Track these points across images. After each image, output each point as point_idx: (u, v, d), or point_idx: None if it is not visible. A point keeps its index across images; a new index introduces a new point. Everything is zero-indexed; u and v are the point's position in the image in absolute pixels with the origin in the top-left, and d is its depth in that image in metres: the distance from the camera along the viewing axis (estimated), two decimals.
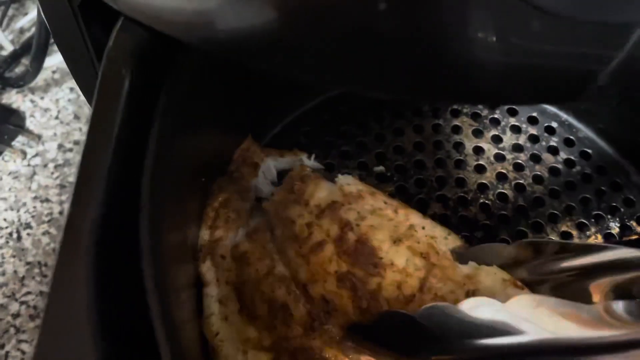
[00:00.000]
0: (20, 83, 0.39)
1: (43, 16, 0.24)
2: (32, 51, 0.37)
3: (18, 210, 0.38)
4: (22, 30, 0.46)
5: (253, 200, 0.31)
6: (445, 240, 0.27)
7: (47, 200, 0.38)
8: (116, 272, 0.16)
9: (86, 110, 0.43)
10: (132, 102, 0.18)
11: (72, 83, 0.44)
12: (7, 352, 0.33)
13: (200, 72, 0.22)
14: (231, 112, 0.28)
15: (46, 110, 0.42)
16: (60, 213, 0.38)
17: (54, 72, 0.44)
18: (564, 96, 0.22)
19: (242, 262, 0.26)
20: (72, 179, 0.39)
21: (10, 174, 0.39)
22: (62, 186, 0.39)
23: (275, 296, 0.25)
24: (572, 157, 0.34)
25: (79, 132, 0.41)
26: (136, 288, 0.16)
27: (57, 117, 0.42)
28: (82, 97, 0.43)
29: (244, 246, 0.27)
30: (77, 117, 0.42)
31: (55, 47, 0.41)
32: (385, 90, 0.18)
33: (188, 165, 0.22)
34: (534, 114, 0.35)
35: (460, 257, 0.26)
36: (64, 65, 0.44)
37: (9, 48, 0.42)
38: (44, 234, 0.37)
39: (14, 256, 0.36)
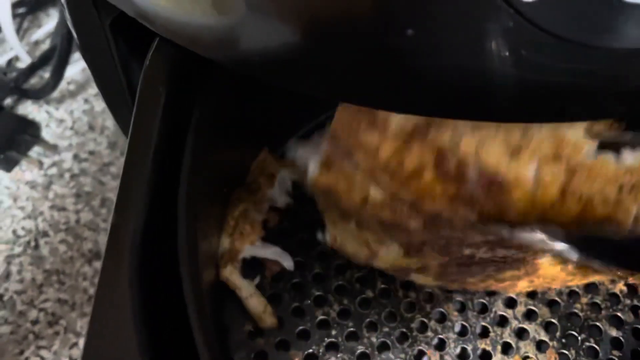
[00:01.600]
0: (39, 95, 0.40)
1: (73, 32, 0.25)
2: (53, 63, 0.38)
3: (35, 219, 0.38)
4: (37, 43, 0.47)
5: (266, 212, 0.32)
6: (575, 132, 0.21)
7: (64, 209, 0.39)
8: (156, 278, 0.17)
9: (100, 121, 0.44)
10: (167, 117, 0.19)
11: (87, 95, 0.45)
12: (27, 358, 0.33)
13: (227, 89, 0.23)
14: (250, 125, 0.29)
15: (61, 121, 0.43)
16: (77, 222, 0.38)
17: (68, 83, 0.45)
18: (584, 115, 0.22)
19: (329, 195, 0.23)
20: (87, 188, 0.40)
21: (27, 183, 0.40)
22: (78, 195, 0.40)
23: (381, 218, 0.22)
24: None
25: (94, 142, 0.42)
26: (175, 295, 0.17)
27: (72, 128, 0.43)
28: (96, 109, 0.44)
29: (324, 178, 0.23)
30: (91, 127, 0.43)
31: (70, 59, 0.42)
32: (405, 108, 0.19)
33: (214, 177, 0.23)
34: None
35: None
36: (78, 77, 0.45)
37: (26, 60, 0.43)
38: (61, 242, 0.38)
39: (31, 264, 0.37)
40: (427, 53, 0.16)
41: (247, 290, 0.28)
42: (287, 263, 0.30)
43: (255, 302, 0.28)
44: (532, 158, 0.21)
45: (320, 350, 0.28)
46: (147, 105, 0.18)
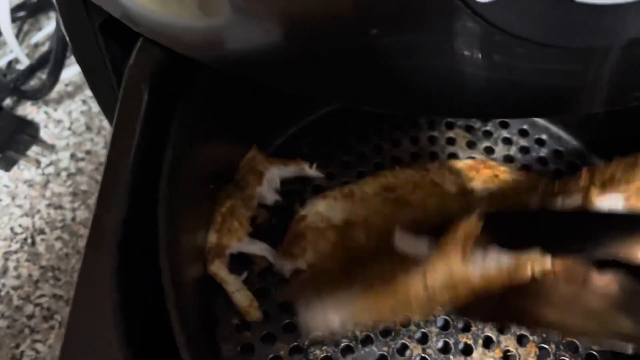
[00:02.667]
0: (37, 96, 0.41)
1: (65, 34, 0.26)
2: (50, 66, 0.39)
3: (33, 217, 0.39)
4: (36, 45, 0.49)
5: (255, 209, 0.32)
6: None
7: (61, 207, 0.40)
8: (137, 270, 0.17)
9: (97, 122, 0.45)
10: (150, 114, 0.19)
11: (84, 96, 0.46)
12: (22, 352, 0.34)
13: (211, 88, 0.24)
14: (238, 123, 0.30)
15: (59, 121, 0.44)
16: (73, 220, 0.39)
17: (66, 85, 0.46)
18: (551, 111, 0.24)
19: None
20: (84, 187, 0.41)
21: (25, 182, 0.41)
22: (74, 194, 0.41)
23: None
24: (561, 168, 0.35)
25: (91, 142, 0.43)
26: (155, 287, 0.17)
27: (69, 128, 0.44)
28: (94, 109, 0.45)
29: None
30: (88, 128, 0.44)
31: (68, 62, 0.43)
32: (382, 106, 0.20)
33: (199, 173, 0.24)
34: (525, 127, 0.37)
35: None
36: (76, 78, 0.46)
37: (25, 62, 0.44)
38: (57, 239, 0.38)
39: (28, 260, 0.38)
40: (391, 52, 0.17)
41: (234, 285, 0.29)
42: (274, 259, 0.31)
43: (242, 297, 0.29)
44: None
45: (306, 344, 0.29)
46: (130, 103, 0.19)
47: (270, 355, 0.29)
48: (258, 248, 0.31)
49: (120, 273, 0.17)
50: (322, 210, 0.30)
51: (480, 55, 0.17)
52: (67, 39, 0.26)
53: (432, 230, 0.25)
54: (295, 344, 0.29)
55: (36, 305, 0.36)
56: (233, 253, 0.31)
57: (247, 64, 0.20)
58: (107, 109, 0.28)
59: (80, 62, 0.27)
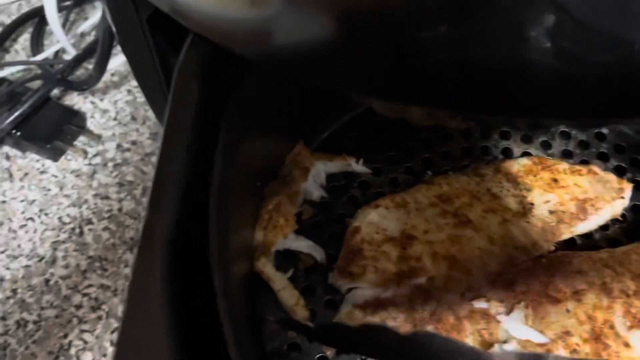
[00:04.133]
0: (84, 87, 0.42)
1: (112, 27, 0.26)
2: (96, 56, 0.39)
3: (80, 207, 0.40)
4: (82, 35, 0.49)
5: (301, 205, 0.32)
6: None
7: (107, 197, 0.40)
8: (188, 270, 0.17)
9: (142, 112, 0.45)
10: (201, 112, 0.19)
11: (129, 86, 0.46)
12: (70, 342, 0.35)
13: (258, 84, 0.23)
14: (284, 119, 0.29)
15: (105, 111, 0.44)
16: (120, 210, 0.40)
17: (112, 75, 0.46)
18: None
19: None
20: (130, 177, 0.41)
21: (72, 172, 0.41)
22: (120, 184, 0.41)
23: None
24: (623, 165, 0.33)
25: (136, 132, 0.43)
26: (205, 285, 0.17)
27: (115, 119, 0.44)
28: (139, 100, 0.45)
29: None
30: (134, 118, 0.44)
31: (114, 51, 0.43)
32: (441, 107, 0.19)
33: (247, 170, 0.24)
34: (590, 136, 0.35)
35: None
36: (121, 68, 0.46)
37: (72, 52, 0.44)
38: (104, 229, 0.39)
39: (76, 250, 0.38)
40: (461, 48, 0.16)
41: (280, 283, 0.29)
42: (320, 256, 0.31)
43: (288, 295, 0.29)
44: None
45: None
46: (181, 101, 0.19)
47: (317, 355, 0.28)
48: (303, 245, 0.30)
49: (172, 273, 0.17)
50: (375, 220, 0.29)
51: (556, 48, 0.16)
52: (115, 31, 0.26)
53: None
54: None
55: (84, 295, 0.36)
56: (279, 250, 0.30)
57: (297, 61, 0.19)
58: (153, 100, 0.28)
59: (127, 54, 0.27)
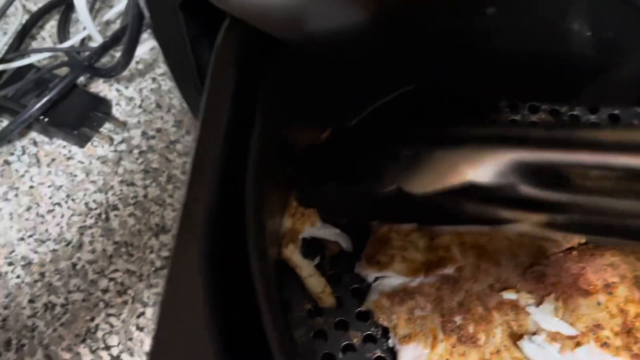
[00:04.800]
0: (111, 74, 0.42)
1: (145, 12, 0.26)
2: (125, 44, 0.39)
3: (106, 193, 0.40)
4: (107, 23, 0.49)
5: None
6: None
7: (133, 184, 0.40)
8: (226, 254, 0.17)
9: (167, 99, 0.45)
10: (238, 97, 0.19)
11: (154, 74, 0.46)
12: (97, 325, 0.35)
13: (293, 69, 0.23)
14: (315, 106, 0.29)
15: (130, 99, 0.45)
16: (145, 197, 0.40)
17: (137, 62, 0.46)
18: None
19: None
20: (155, 165, 0.41)
21: (98, 158, 0.42)
22: (146, 171, 0.41)
23: None
24: None
25: (161, 120, 0.44)
26: (244, 272, 0.17)
27: (140, 106, 0.44)
28: (164, 87, 0.45)
29: None
30: (158, 106, 0.44)
31: (139, 39, 0.43)
32: (481, 88, 0.19)
33: (280, 155, 0.24)
34: (616, 112, 0.34)
35: None
36: (146, 56, 0.47)
37: (98, 40, 0.44)
38: (129, 215, 0.39)
39: (102, 235, 0.38)
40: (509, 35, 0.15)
41: (307, 270, 0.29)
42: (346, 244, 0.30)
43: (315, 282, 0.29)
44: None
45: (379, 333, 0.29)
46: (218, 86, 0.19)
47: (344, 343, 0.28)
48: (330, 233, 0.30)
49: (210, 256, 0.17)
50: None
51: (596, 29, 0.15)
52: (147, 16, 0.26)
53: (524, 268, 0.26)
54: (368, 332, 0.29)
55: (110, 279, 0.37)
56: (305, 238, 0.30)
57: (338, 41, 0.19)
58: (183, 88, 0.28)
59: (159, 40, 0.27)
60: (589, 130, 0.20)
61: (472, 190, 0.19)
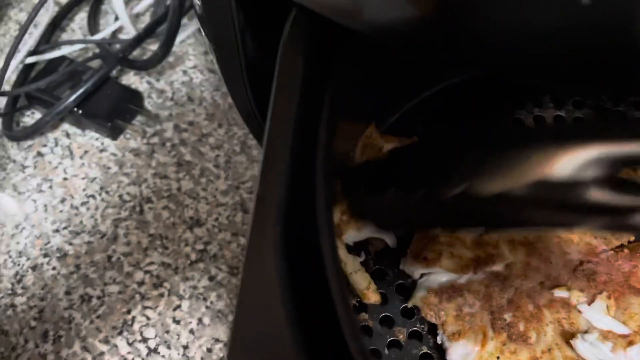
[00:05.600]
0: (148, 66, 0.42)
1: (198, 2, 0.26)
2: (163, 37, 0.39)
3: (140, 186, 0.40)
4: (137, 15, 0.49)
5: None
6: None
7: (166, 177, 0.40)
8: (299, 242, 0.17)
9: (198, 92, 0.45)
10: (306, 90, 0.19)
11: (185, 67, 0.46)
12: (134, 317, 0.35)
13: (353, 64, 0.23)
14: (362, 100, 0.28)
15: (162, 92, 0.45)
16: (178, 190, 0.40)
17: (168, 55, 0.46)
18: None
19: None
20: (187, 157, 0.41)
21: (131, 151, 0.42)
22: (179, 164, 0.41)
23: None
24: None
25: (193, 113, 0.43)
26: (316, 261, 0.17)
27: (172, 99, 0.44)
28: (195, 81, 0.45)
29: None
30: (190, 99, 0.44)
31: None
32: (552, 79, 0.18)
33: (337, 147, 0.23)
34: None
35: None
36: (177, 49, 0.46)
37: (131, 32, 0.44)
38: (163, 208, 0.39)
39: (137, 228, 0.38)
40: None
41: (353, 266, 0.29)
42: (391, 241, 0.30)
43: (360, 278, 0.28)
44: None
45: (425, 329, 0.28)
46: (287, 78, 0.18)
47: (389, 339, 0.28)
48: (374, 230, 0.30)
49: (284, 244, 0.17)
50: None
51: None
52: (199, 6, 0.26)
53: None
54: (414, 328, 0.28)
55: (146, 272, 0.37)
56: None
57: (403, 30, 0.18)
58: (230, 79, 0.28)
59: (208, 31, 0.27)
60: None
61: (541, 189, 0.18)
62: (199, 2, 0.26)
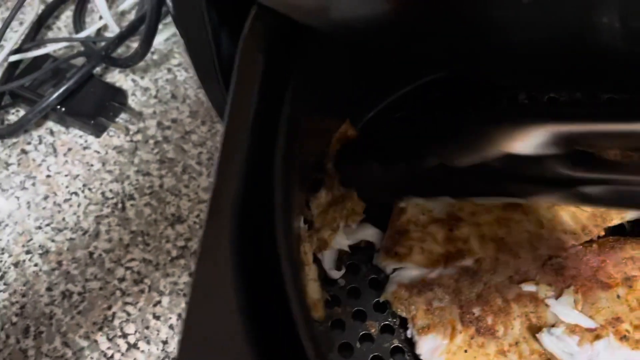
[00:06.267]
0: (129, 64, 0.42)
1: (169, 1, 0.26)
2: (143, 34, 0.40)
3: (122, 183, 0.40)
4: (122, 13, 0.49)
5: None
6: None
7: (149, 174, 0.41)
8: (255, 237, 0.17)
9: (182, 90, 0.45)
10: (265, 85, 0.19)
11: (170, 64, 0.46)
12: (114, 313, 0.36)
13: (322, 57, 0.23)
14: (334, 97, 0.29)
15: (146, 89, 0.45)
16: (161, 187, 0.40)
17: (152, 53, 0.47)
18: None
19: None
20: (170, 155, 0.41)
21: (115, 148, 0.42)
22: (161, 161, 0.41)
23: None
24: None
25: (176, 111, 0.44)
26: (271, 256, 0.17)
27: (156, 96, 0.44)
28: (179, 78, 0.45)
29: None
30: (174, 96, 0.44)
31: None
32: (501, 76, 0.19)
33: (303, 143, 0.24)
34: None
35: None
36: (162, 47, 0.47)
37: (115, 30, 0.44)
38: (145, 205, 0.39)
39: (119, 225, 0.39)
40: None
41: (313, 274, 0.28)
42: (378, 242, 0.30)
43: (315, 288, 0.28)
44: None
45: (397, 323, 0.29)
46: (246, 74, 0.19)
47: (361, 332, 0.28)
48: (364, 234, 0.30)
49: (239, 239, 0.17)
50: (421, 201, 0.29)
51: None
52: (170, 6, 0.26)
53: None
54: (386, 322, 0.29)
55: (127, 268, 0.37)
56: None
57: (368, 28, 0.19)
58: (204, 78, 0.28)
59: (181, 30, 0.27)
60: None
61: (509, 162, 0.19)
62: (170, 2, 0.26)
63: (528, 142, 0.18)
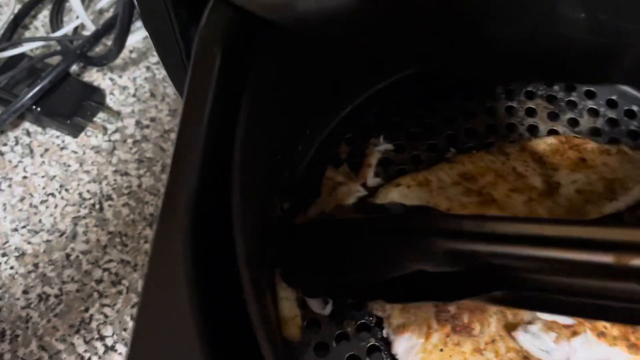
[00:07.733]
0: (103, 62, 0.41)
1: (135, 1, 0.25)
2: (116, 31, 0.39)
3: (100, 183, 0.40)
4: (101, 11, 0.49)
5: None
6: None
7: (127, 174, 0.40)
8: (210, 241, 0.17)
9: (161, 88, 0.44)
10: (222, 80, 0.18)
11: (148, 63, 0.46)
12: (91, 315, 0.35)
13: (282, 53, 0.22)
14: (304, 92, 0.28)
15: (124, 88, 0.44)
16: (139, 186, 0.40)
17: (131, 51, 0.46)
18: None
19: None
20: (149, 154, 0.41)
21: (92, 148, 0.41)
22: (140, 161, 0.41)
23: None
24: None
25: (155, 109, 0.43)
26: (228, 259, 0.17)
27: (134, 95, 0.44)
28: (158, 76, 0.45)
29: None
30: (153, 95, 0.44)
31: (132, 28, 0.43)
32: (468, 69, 0.18)
33: (268, 141, 0.23)
34: (614, 97, 0.34)
35: None
36: (140, 45, 0.46)
37: (91, 28, 0.44)
38: (123, 205, 0.39)
39: (96, 226, 0.38)
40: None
41: (286, 293, 0.28)
42: None
43: (289, 307, 0.28)
44: None
45: (373, 321, 0.28)
46: (202, 68, 0.18)
47: (337, 332, 0.28)
48: None
49: (193, 242, 0.17)
50: (397, 198, 0.29)
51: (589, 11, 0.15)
52: (136, 4, 0.26)
53: None
54: (362, 321, 0.28)
55: (104, 270, 0.37)
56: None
57: (327, 21, 0.18)
58: (174, 75, 0.28)
59: (147, 26, 0.26)
60: (524, 224, 0.21)
61: (423, 275, 0.21)
62: (135, 1, 0.25)
63: (430, 262, 0.20)
